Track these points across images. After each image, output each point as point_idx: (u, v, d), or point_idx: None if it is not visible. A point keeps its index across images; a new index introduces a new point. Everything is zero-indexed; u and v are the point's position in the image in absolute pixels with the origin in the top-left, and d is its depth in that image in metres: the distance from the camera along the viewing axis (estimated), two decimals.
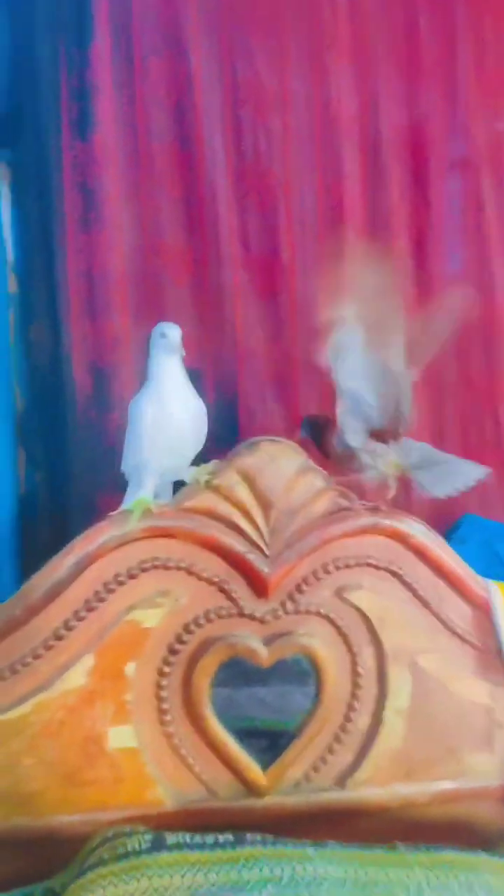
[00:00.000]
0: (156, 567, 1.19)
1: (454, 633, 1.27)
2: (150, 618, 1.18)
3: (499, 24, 1.52)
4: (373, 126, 1.51)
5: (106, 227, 1.46)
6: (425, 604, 1.26)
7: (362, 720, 1.26)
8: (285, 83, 1.47)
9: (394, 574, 1.25)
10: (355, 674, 1.25)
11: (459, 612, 1.28)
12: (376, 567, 1.25)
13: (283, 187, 1.48)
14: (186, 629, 1.20)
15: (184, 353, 1.14)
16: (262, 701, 1.38)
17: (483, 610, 1.27)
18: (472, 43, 1.51)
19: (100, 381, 1.47)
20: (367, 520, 1.22)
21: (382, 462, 1.20)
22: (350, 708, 1.26)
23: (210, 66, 1.42)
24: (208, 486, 1.18)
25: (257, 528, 1.20)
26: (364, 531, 1.23)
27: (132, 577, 1.18)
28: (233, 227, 1.47)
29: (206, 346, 1.51)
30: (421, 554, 1.25)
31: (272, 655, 1.21)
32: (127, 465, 1.21)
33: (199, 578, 1.20)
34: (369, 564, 1.24)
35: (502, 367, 1.56)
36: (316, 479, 1.22)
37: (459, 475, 1.18)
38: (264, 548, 1.20)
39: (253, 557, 1.19)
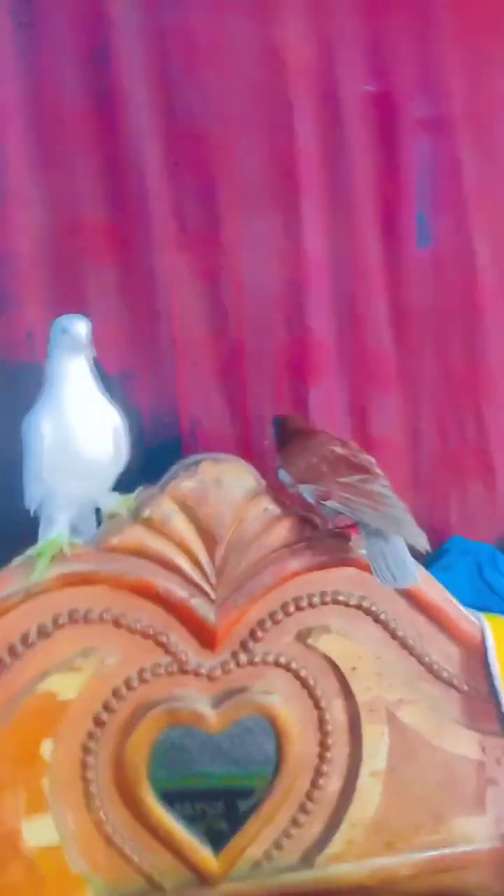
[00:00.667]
0: (74, 622, 0.95)
1: (439, 678, 1.08)
2: (68, 686, 0.95)
3: None
4: (330, 77, 1.27)
5: (10, 201, 1.20)
6: (405, 645, 1.06)
7: (332, 785, 1.06)
8: (223, 25, 1.22)
9: (367, 612, 1.04)
10: (323, 732, 1.05)
11: (445, 653, 1.08)
12: (346, 604, 1.04)
13: (223, 152, 1.24)
14: (116, 694, 0.98)
15: (94, 354, 0.90)
16: (217, 748, 1.17)
17: (473, 649, 1.07)
18: None
19: (10, 383, 1.22)
20: (335, 549, 1.01)
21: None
22: (318, 772, 1.05)
23: (130, 3, 1.17)
24: (137, 518, 0.95)
25: (200, 566, 0.97)
26: (332, 563, 1.02)
27: (44, 635, 0.94)
28: (164, 199, 1.22)
29: (138, 343, 1.27)
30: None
31: (222, 719, 1.00)
32: (30, 498, 0.97)
33: (131, 631, 0.97)
34: (337, 601, 1.03)
35: (485, 357, 1.36)
36: (270, 505, 1.00)
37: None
38: (209, 591, 0.98)
39: (196, 603, 0.97)
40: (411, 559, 0.96)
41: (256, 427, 1.28)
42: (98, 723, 0.97)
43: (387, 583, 0.95)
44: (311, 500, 0.97)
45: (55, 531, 0.95)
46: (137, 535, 0.96)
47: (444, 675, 1.08)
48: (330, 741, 1.05)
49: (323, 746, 1.05)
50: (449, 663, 1.09)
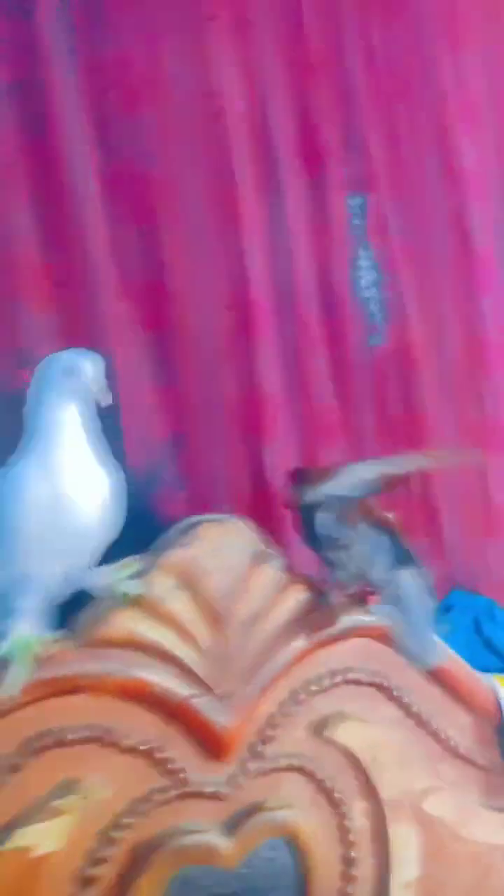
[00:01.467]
0: (48, 747, 0.72)
1: (456, 755, 0.96)
2: (46, 836, 0.71)
3: (387, 31, 1.34)
4: (263, 125, 1.23)
5: None
6: (420, 723, 0.93)
7: None
8: (159, 63, 1.14)
9: (380, 689, 0.91)
10: (346, 844, 0.88)
11: (458, 725, 0.97)
12: (358, 683, 0.90)
13: (165, 194, 1.13)
14: (106, 839, 0.75)
15: (108, 400, 0.73)
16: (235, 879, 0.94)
17: (486, 716, 0.97)
18: (361, 45, 1.31)
19: None
20: (351, 620, 0.87)
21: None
22: (342, 894, 0.87)
23: (62, 33, 1.05)
24: (129, 600, 0.76)
25: (204, 654, 0.79)
26: (343, 636, 0.88)
27: (12, 769, 0.71)
28: (104, 241, 1.08)
29: None
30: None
31: (238, 849, 0.80)
32: None
33: (120, 750, 0.76)
34: (349, 681, 0.89)
35: (425, 408, 1.32)
36: (276, 569, 0.85)
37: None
38: (215, 684, 0.79)
39: (199, 703, 0.78)
40: (433, 634, 0.85)
41: (208, 485, 1.13)
42: (86, 881, 0.73)
43: (413, 661, 0.83)
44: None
45: (21, 627, 0.72)
46: (127, 623, 0.76)
47: (461, 750, 0.96)
48: (353, 854, 0.88)
49: (346, 862, 0.88)
50: (463, 736, 0.97)
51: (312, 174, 1.29)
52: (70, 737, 0.73)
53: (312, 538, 0.87)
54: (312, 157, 1.29)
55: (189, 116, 1.15)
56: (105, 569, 0.79)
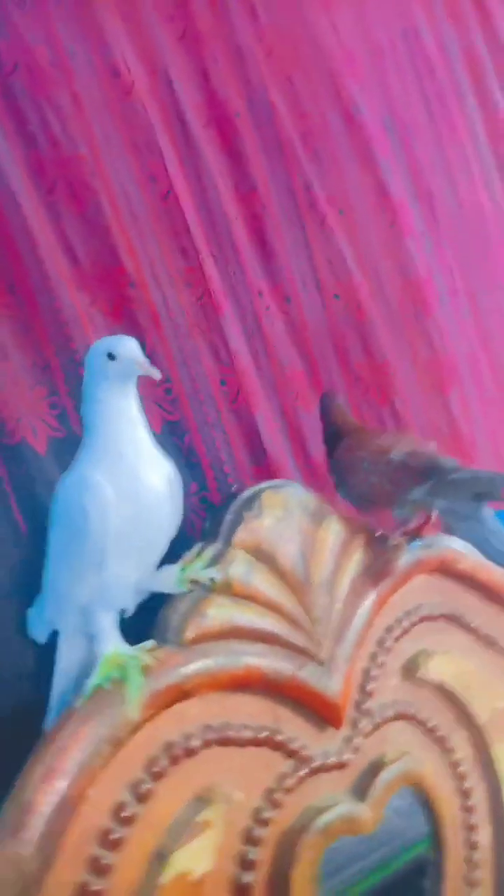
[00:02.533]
0: (176, 761, 0.66)
1: None
2: (199, 856, 0.65)
3: None
4: (171, 98, 1.19)
5: None
6: (490, 643, 0.94)
7: (483, 836, 0.88)
8: (58, 44, 1.07)
9: (450, 619, 0.91)
10: (457, 776, 0.87)
11: None
12: (430, 618, 0.89)
13: (99, 176, 1.07)
14: (251, 840, 0.70)
15: (158, 374, 0.67)
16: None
17: None
18: (243, 6, 1.30)
19: None
20: (410, 557, 0.87)
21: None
22: (469, 828, 0.87)
23: None
24: (217, 585, 0.71)
25: (297, 624, 0.76)
26: (409, 575, 0.87)
27: (144, 798, 0.64)
28: (48, 233, 1.01)
29: (57, 399, 1.00)
30: (469, 579, 0.93)
31: (374, 811, 0.77)
32: (58, 606, 0.68)
33: (241, 745, 0.71)
34: (423, 618, 0.88)
35: (385, 355, 1.34)
36: (337, 524, 0.83)
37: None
38: (315, 651, 0.76)
39: (307, 674, 0.75)
40: None
41: (208, 465, 1.09)
42: (245, 890, 0.68)
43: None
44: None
45: (114, 643, 0.66)
46: (220, 612, 0.71)
47: None
48: (467, 784, 0.88)
49: (463, 795, 0.87)
50: None
51: (228, 142, 1.27)
52: (193, 744, 0.67)
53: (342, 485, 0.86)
54: (226, 126, 1.26)
55: (100, 94, 1.09)
56: (171, 567, 0.73)
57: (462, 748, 0.88)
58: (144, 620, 0.74)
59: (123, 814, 0.63)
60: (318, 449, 1.27)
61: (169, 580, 0.72)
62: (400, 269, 1.44)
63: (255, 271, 1.26)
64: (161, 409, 1.09)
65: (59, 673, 0.71)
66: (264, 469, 1.15)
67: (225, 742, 0.70)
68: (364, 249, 1.40)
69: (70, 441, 1.01)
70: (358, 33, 1.49)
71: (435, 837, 0.82)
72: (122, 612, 0.71)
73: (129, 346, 0.68)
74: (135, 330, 1.07)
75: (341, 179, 1.39)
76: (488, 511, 0.84)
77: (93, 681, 0.64)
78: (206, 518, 0.83)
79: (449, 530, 0.89)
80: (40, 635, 0.73)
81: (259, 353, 1.24)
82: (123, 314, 1.07)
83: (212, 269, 1.18)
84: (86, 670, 0.73)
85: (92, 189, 1.05)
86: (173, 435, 1.08)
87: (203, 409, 1.12)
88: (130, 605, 0.71)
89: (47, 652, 0.73)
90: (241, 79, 1.30)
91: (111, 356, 0.68)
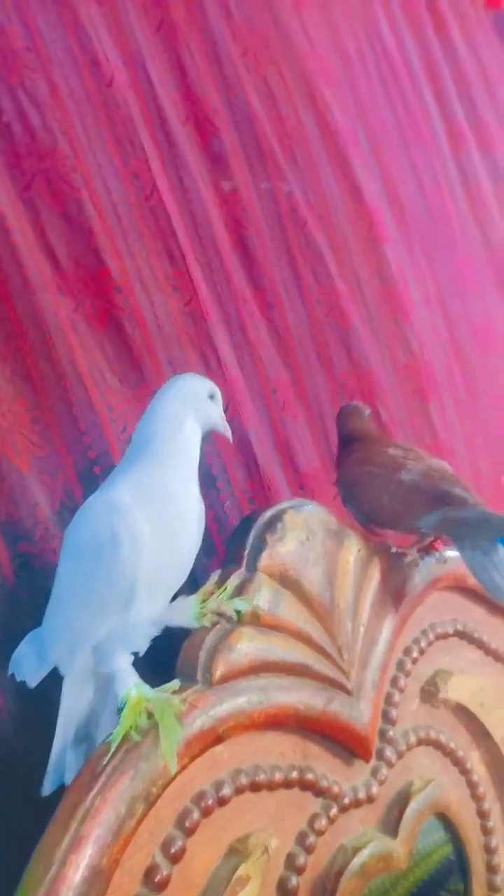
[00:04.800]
0: (208, 812, 0.61)
1: None
2: None
3: None
4: (151, 95, 1.13)
5: None
6: (499, 657, 0.93)
7: (501, 855, 0.86)
8: (32, 27, 1.00)
9: (461, 635, 0.89)
10: (477, 797, 0.85)
11: None
12: (444, 636, 0.87)
13: (80, 172, 1.00)
14: (288, 891, 0.65)
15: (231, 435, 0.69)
16: None
17: None
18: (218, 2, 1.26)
19: None
20: (426, 575, 0.84)
21: None
22: (489, 850, 0.84)
23: None
24: (242, 617, 0.66)
25: (325, 653, 0.72)
26: (425, 594, 0.84)
27: (176, 858, 0.58)
28: (26, 232, 0.93)
29: (39, 414, 0.92)
30: (478, 593, 0.91)
31: (406, 846, 0.74)
32: (68, 644, 0.62)
33: (272, 788, 0.66)
34: (438, 636, 0.86)
35: (370, 363, 1.32)
36: (357, 545, 0.79)
37: None
38: (343, 681, 0.72)
39: (337, 707, 0.71)
40: None
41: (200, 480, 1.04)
42: None
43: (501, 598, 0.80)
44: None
45: (136, 686, 0.60)
46: (251, 644, 0.66)
47: None
48: (486, 806, 0.85)
49: (483, 815, 0.85)
50: None
51: (207, 142, 1.22)
52: (224, 793, 0.62)
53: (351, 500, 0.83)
54: (205, 124, 1.21)
55: (79, 84, 1.03)
56: (186, 599, 0.68)
57: (477, 769, 0.86)
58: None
59: (157, 878, 0.57)
60: (307, 460, 1.24)
61: (186, 614, 0.66)
62: (379, 276, 1.42)
63: (238, 277, 1.21)
64: None
65: (63, 720, 0.64)
66: (258, 484, 1.11)
67: (256, 787, 0.65)
68: (344, 255, 1.38)
69: (52, 460, 0.94)
70: (327, 38, 1.48)
71: (462, 864, 0.79)
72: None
73: (221, 397, 0.69)
74: (120, 338, 1.01)
75: (319, 184, 1.37)
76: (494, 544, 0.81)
77: (119, 730, 0.58)
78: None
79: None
80: (33, 677, 0.65)
81: (246, 362, 1.20)
82: (109, 321, 1.00)
83: (198, 273, 1.13)
84: (94, 718, 0.67)
85: (73, 185, 0.98)
86: None
87: None
88: (146, 644, 0.65)
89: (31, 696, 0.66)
90: (218, 76, 1.26)
91: (212, 397, 0.68)
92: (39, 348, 0.93)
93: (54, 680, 0.65)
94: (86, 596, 0.61)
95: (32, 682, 0.65)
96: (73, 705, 0.65)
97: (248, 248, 1.24)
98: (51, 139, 0.97)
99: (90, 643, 0.62)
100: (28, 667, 0.65)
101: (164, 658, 0.68)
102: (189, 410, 0.65)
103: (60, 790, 0.63)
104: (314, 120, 1.39)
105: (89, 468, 0.95)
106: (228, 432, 0.69)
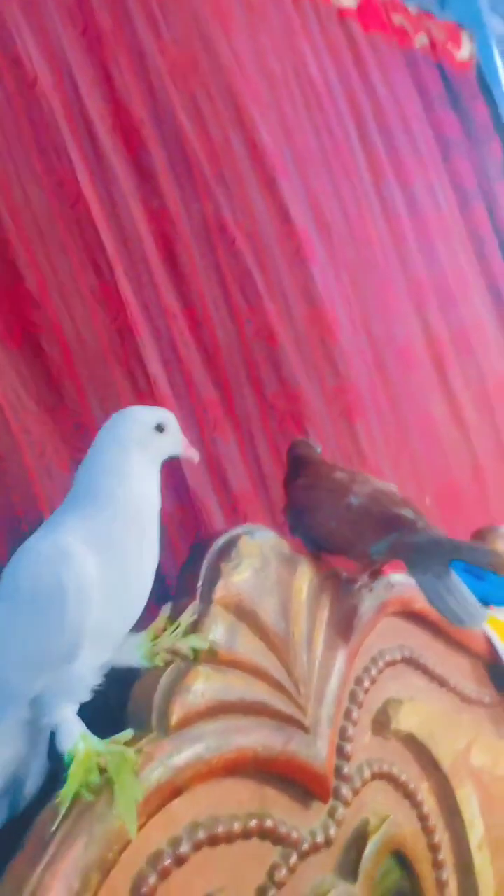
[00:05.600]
0: (166, 874, 0.55)
1: (469, 701, 0.96)
2: None
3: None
4: (77, 99, 1.07)
5: None
6: (443, 683, 0.92)
7: (452, 886, 0.84)
8: None
9: (408, 662, 0.87)
10: (428, 831, 0.83)
11: (462, 672, 0.97)
12: (393, 663, 0.85)
13: None
14: None
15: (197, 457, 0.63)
16: None
17: (479, 656, 0.99)
18: (145, 14, 1.22)
19: None
20: (374, 600, 0.82)
21: None
22: (440, 885, 0.82)
23: None
24: (199, 655, 0.61)
25: (282, 688, 0.67)
26: (375, 621, 0.82)
27: None
28: None
29: None
30: (422, 618, 0.90)
31: (366, 890, 0.70)
32: (1, 695, 0.55)
33: (229, 841, 0.61)
34: (387, 663, 0.84)
35: (299, 384, 1.30)
36: (308, 568, 0.76)
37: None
38: (300, 718, 0.68)
39: (295, 746, 0.67)
40: (471, 594, 0.81)
41: None
42: None
43: (458, 623, 0.78)
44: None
45: (79, 740, 0.53)
46: (207, 684, 0.61)
47: (472, 695, 0.97)
48: (437, 838, 0.83)
49: (433, 849, 0.83)
50: (468, 681, 0.98)
51: (134, 153, 1.18)
52: (182, 850, 0.56)
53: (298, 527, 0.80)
54: (132, 134, 1.17)
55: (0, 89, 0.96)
56: (135, 636, 0.62)
57: (427, 800, 0.83)
58: None
59: None
60: (238, 482, 1.20)
61: (135, 653, 0.60)
62: (306, 296, 1.42)
63: (168, 292, 1.17)
64: (70, 446, 0.95)
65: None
66: (188, 507, 1.06)
67: (214, 840, 0.59)
68: (272, 275, 1.36)
69: None
70: (255, 61, 1.47)
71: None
72: None
73: (175, 422, 0.63)
74: (37, 356, 0.94)
75: (247, 203, 1.35)
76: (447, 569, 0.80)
77: (67, 790, 0.51)
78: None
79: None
80: None
81: (176, 380, 1.15)
82: (23, 338, 0.93)
83: (126, 287, 1.08)
84: (23, 765, 0.60)
85: None
86: None
87: None
88: (90, 693, 0.59)
89: None
90: (145, 87, 1.22)
91: (160, 428, 0.61)
92: None
93: None
94: (21, 648, 0.54)
95: None
96: (1, 756, 0.58)
97: (178, 264, 1.20)
98: None
99: (24, 698, 0.55)
100: None
101: (103, 698, 0.62)
102: (133, 449, 0.59)
103: None
104: (242, 139, 1.37)
105: (6, 495, 0.87)
106: (192, 454, 0.64)
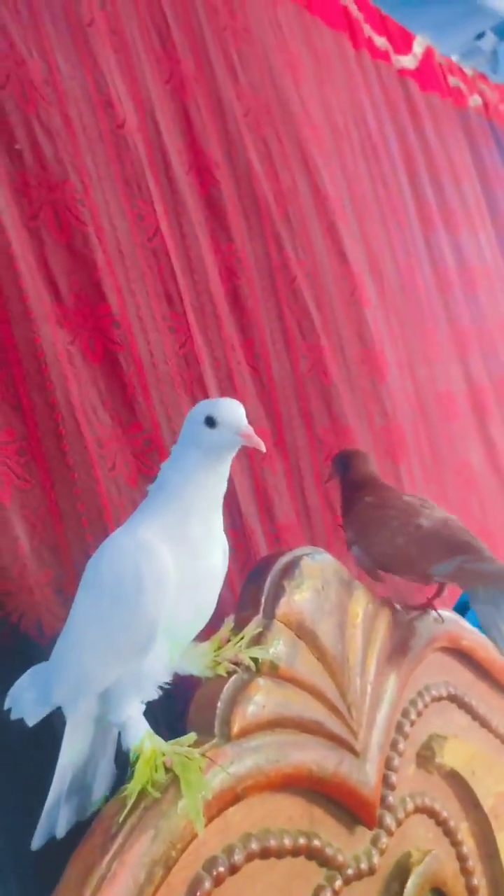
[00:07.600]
0: (220, 881, 0.56)
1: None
2: None
3: (241, 51, 1.34)
4: (158, 142, 1.14)
5: None
6: (485, 723, 0.92)
7: None
8: (51, 63, 0.99)
9: (452, 699, 0.87)
10: (467, 872, 0.82)
11: (499, 710, 0.97)
12: (438, 698, 0.85)
13: (87, 206, 0.98)
14: None
15: (262, 446, 0.59)
16: None
17: None
18: (224, 61, 1.30)
19: None
20: (425, 633, 0.83)
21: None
22: None
23: None
24: (261, 667, 0.62)
25: (336, 710, 0.68)
26: (424, 653, 0.83)
27: None
28: (29, 260, 0.90)
29: (26, 445, 0.87)
30: (468, 657, 0.90)
31: None
32: (75, 685, 0.57)
33: (280, 856, 0.62)
34: (433, 698, 0.84)
35: (348, 421, 1.33)
36: (363, 594, 0.77)
37: None
38: (352, 741, 0.69)
39: (346, 769, 0.67)
40: None
41: None
42: None
43: None
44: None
45: (144, 738, 0.55)
46: (268, 697, 0.62)
47: None
48: (475, 882, 0.82)
49: (471, 891, 0.82)
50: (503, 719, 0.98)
51: (207, 192, 1.24)
52: (236, 859, 0.57)
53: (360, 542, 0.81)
54: (206, 175, 1.23)
55: (91, 121, 1.03)
56: (200, 646, 0.64)
57: (467, 841, 0.83)
58: None
59: None
60: (283, 513, 1.22)
61: (199, 662, 0.62)
62: (359, 337, 1.46)
63: (229, 324, 1.21)
64: (139, 462, 0.99)
65: (62, 768, 0.59)
66: (238, 532, 1.08)
67: (266, 853, 0.60)
68: (329, 314, 1.40)
69: (36, 494, 0.88)
70: (320, 111, 1.55)
71: None
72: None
73: (233, 412, 0.59)
74: (115, 373, 0.98)
75: (309, 243, 1.40)
76: None
77: (133, 785, 0.53)
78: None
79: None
80: (32, 716, 0.60)
81: None
82: (105, 355, 0.97)
83: (193, 317, 1.13)
84: (91, 768, 0.61)
85: (79, 218, 0.96)
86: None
87: None
88: (156, 693, 0.60)
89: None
90: (221, 131, 1.29)
91: (210, 422, 0.58)
92: (33, 377, 0.89)
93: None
94: (100, 637, 0.56)
95: (31, 721, 0.60)
96: (72, 753, 0.59)
97: (240, 297, 1.25)
98: (61, 171, 0.96)
99: (99, 688, 0.57)
100: (27, 704, 0.60)
101: (157, 706, 0.64)
102: (189, 445, 0.59)
103: (50, 844, 0.57)
104: (307, 183, 1.44)
105: (73, 505, 0.90)
106: (254, 443, 0.59)
